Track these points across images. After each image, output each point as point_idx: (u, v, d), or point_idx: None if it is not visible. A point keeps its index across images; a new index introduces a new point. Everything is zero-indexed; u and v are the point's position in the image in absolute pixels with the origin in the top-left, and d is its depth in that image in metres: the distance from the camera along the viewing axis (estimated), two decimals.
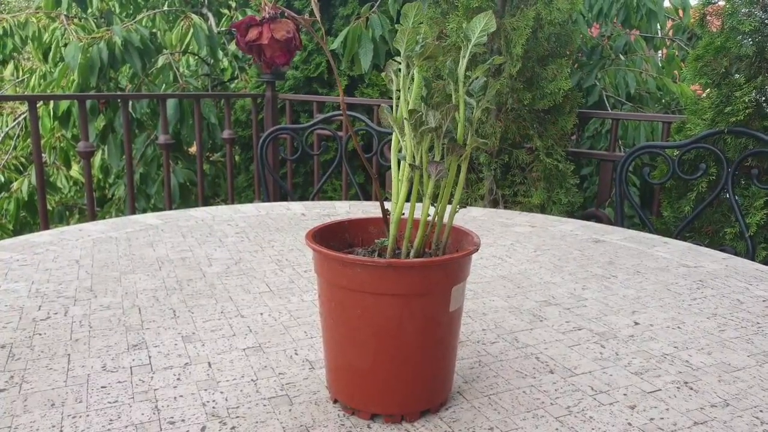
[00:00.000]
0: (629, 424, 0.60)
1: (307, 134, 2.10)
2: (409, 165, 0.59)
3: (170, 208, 2.82)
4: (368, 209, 1.52)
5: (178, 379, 0.67)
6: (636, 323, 0.85)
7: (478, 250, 0.60)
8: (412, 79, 0.61)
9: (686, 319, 0.87)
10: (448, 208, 0.63)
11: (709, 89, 1.69)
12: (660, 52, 3.95)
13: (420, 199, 0.61)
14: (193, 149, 3.77)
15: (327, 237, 0.67)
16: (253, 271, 1.04)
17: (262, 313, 0.86)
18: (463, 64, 0.62)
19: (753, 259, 1.43)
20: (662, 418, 0.61)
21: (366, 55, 2.70)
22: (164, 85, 3.80)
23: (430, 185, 0.60)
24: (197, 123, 2.81)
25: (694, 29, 4.19)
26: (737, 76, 1.59)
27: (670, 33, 4.23)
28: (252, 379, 0.67)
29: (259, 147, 2.03)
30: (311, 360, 0.72)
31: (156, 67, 3.92)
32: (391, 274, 0.56)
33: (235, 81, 4.72)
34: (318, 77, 3.67)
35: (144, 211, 3.70)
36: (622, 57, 3.68)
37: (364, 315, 0.57)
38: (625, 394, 0.66)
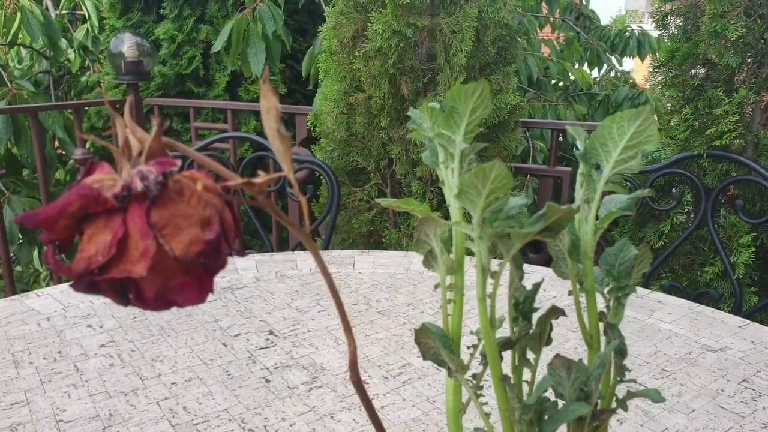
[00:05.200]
0: None
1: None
2: None
3: (6, 261, 2.13)
4: (286, 272, 1.14)
5: None
6: None
7: None
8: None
9: None
10: None
11: (678, 105, 1.45)
12: (556, 33, 3.84)
13: None
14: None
15: None
16: None
17: None
18: (591, 211, 0.30)
19: (741, 307, 1.27)
20: None
21: (257, 55, 2.22)
22: None
23: None
24: (36, 140, 2.21)
25: (581, 9, 4.15)
26: (717, 90, 1.38)
27: (557, 13, 4.16)
28: None
29: None
30: None
31: None
32: None
33: (87, 73, 3.95)
34: (192, 74, 3.05)
35: None
36: (518, 39, 3.53)
37: None
38: None
